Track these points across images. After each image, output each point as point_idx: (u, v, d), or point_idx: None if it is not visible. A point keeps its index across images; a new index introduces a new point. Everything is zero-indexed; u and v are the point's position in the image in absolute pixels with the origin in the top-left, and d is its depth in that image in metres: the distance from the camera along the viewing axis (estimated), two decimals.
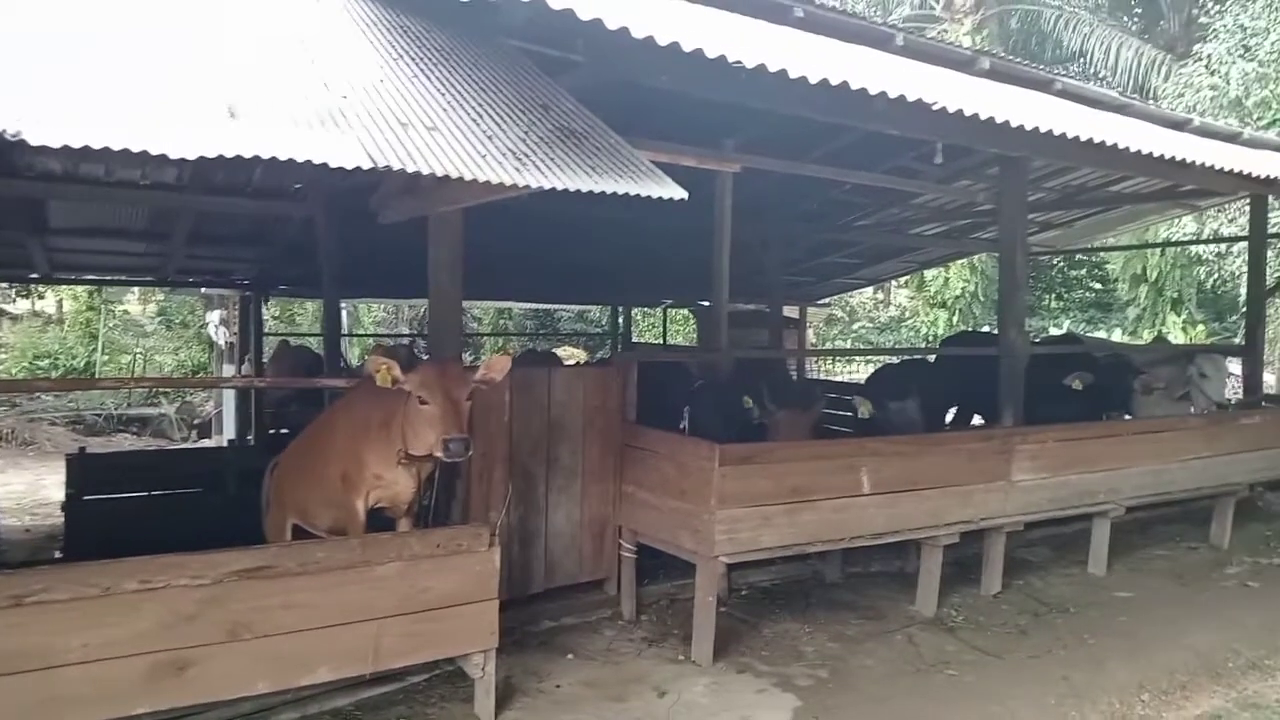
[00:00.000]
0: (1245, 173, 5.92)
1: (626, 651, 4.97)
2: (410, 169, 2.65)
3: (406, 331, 24.93)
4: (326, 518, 4.22)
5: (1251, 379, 8.84)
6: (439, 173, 2.67)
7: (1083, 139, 4.62)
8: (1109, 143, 4.74)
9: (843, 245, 11.23)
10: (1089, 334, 18.76)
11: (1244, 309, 18.35)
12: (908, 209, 9.87)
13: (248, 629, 3.58)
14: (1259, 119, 11.90)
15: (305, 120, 2.79)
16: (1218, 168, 5.69)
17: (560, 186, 2.76)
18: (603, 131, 3.24)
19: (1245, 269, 16.68)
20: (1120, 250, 15.55)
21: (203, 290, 12.38)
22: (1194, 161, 5.45)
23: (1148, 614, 6.05)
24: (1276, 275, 11.93)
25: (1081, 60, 20.69)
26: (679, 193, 2.98)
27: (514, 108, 3.23)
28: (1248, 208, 13.72)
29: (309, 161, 2.57)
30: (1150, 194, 9.39)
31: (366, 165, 2.60)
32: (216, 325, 14.72)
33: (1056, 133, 4.52)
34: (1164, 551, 7.65)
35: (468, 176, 2.69)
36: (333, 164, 2.56)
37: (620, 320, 15.16)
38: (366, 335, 19.76)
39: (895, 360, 9.11)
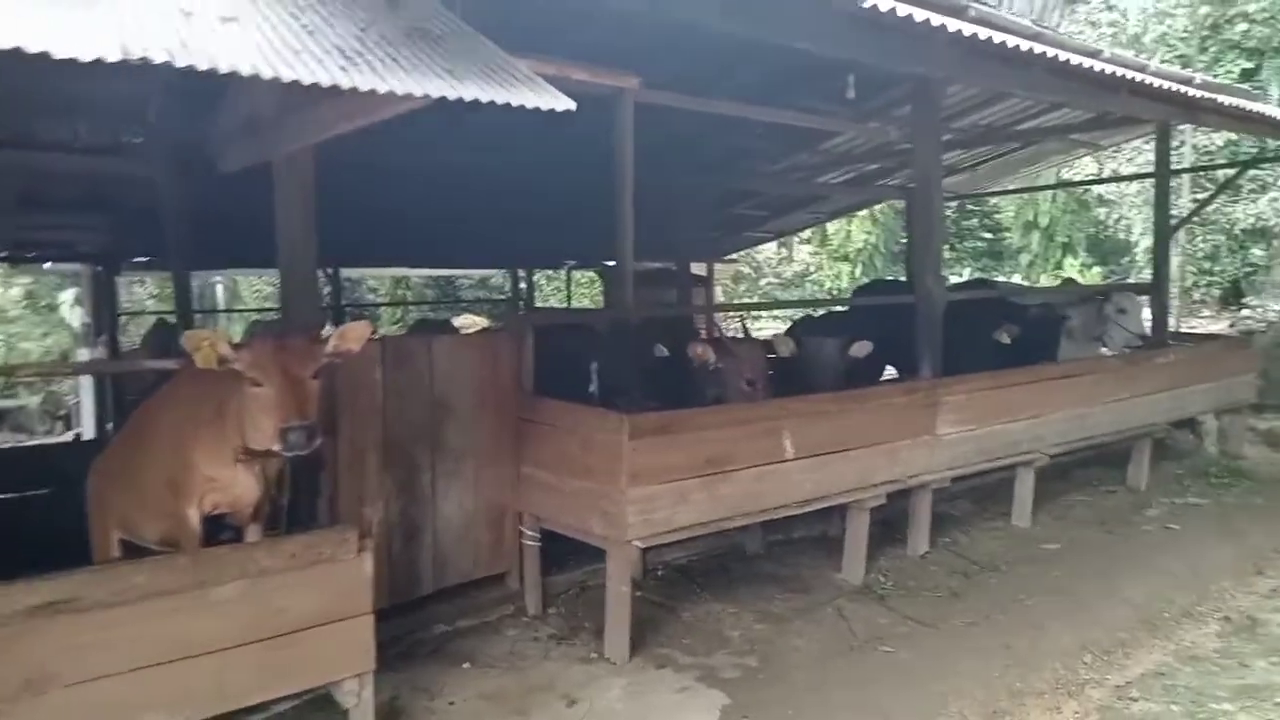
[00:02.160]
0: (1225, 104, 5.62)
1: (532, 654, 4.40)
2: (181, 62, 1.95)
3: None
4: (155, 530, 3.49)
5: (1159, 317, 8.74)
6: (222, 68, 1.99)
7: (1024, 49, 4.17)
8: (1052, 55, 4.30)
9: (750, 196, 10.76)
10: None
11: (1134, 251, 18.86)
12: (815, 154, 9.43)
13: (51, 679, 2.87)
14: (1156, 55, 11.90)
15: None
16: (1198, 97, 5.34)
17: (402, 91, 2.10)
18: (469, 35, 2.57)
19: (1134, 213, 17.08)
20: (1026, 192, 15.53)
21: (46, 266, 11.10)
22: (1152, 84, 5.08)
23: (1078, 567, 5.80)
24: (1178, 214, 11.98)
25: None
26: (565, 103, 2.35)
27: (352, 3, 2.53)
28: (1144, 146, 13.91)
29: (34, 51, 1.83)
30: (1062, 127, 9.15)
31: (114, 56, 1.88)
32: (71, 305, 13.38)
33: (996, 40, 4.05)
34: (1084, 497, 7.49)
35: (266, 74, 2.01)
36: (58, 53, 1.84)
37: (522, 285, 14.43)
38: (248, 311, 18.46)
39: (811, 314, 8.67)
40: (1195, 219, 11.54)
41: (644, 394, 5.04)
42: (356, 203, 8.83)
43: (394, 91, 2.08)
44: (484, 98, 2.20)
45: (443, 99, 2.18)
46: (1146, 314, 8.35)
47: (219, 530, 3.55)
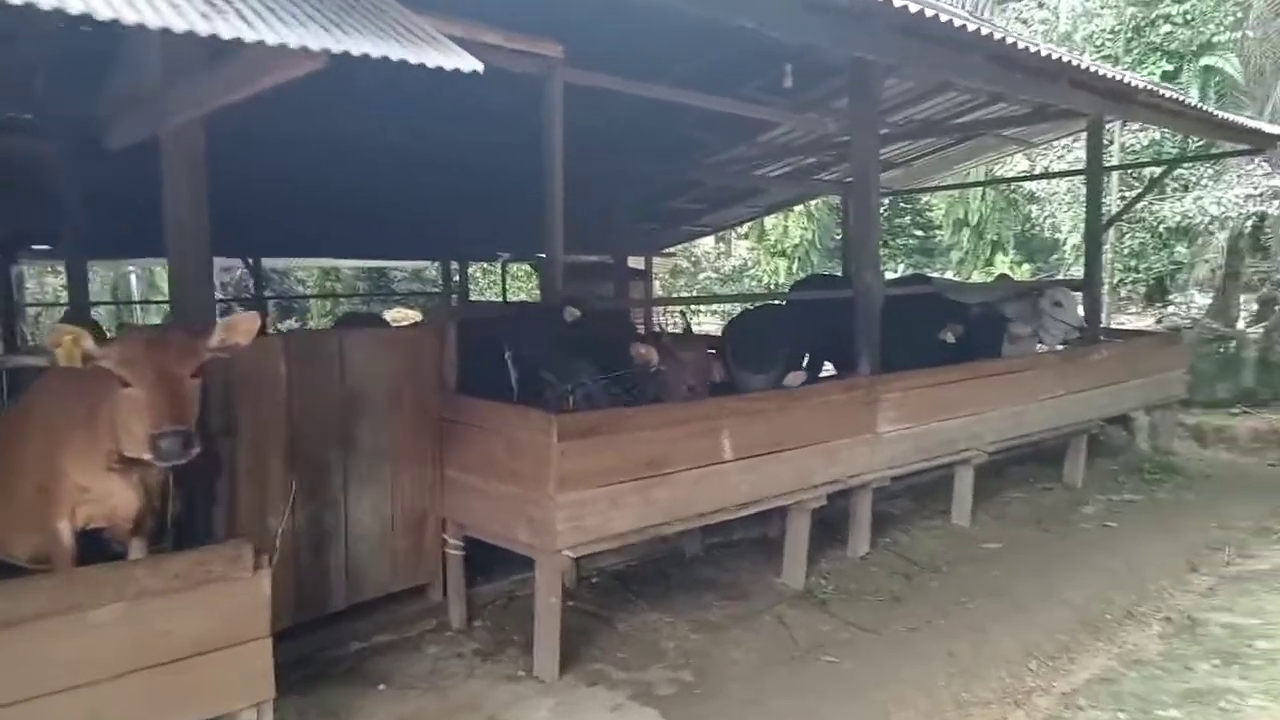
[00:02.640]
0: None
1: (455, 673, 4.10)
2: None
3: (220, 297, 22.68)
4: (25, 545, 3.11)
5: (1091, 313, 8.77)
6: (45, 4, 1.65)
7: (969, 29, 4.01)
8: (999, 38, 4.15)
9: (688, 188, 10.55)
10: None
11: (1062, 249, 19.20)
12: (754, 147, 9.25)
13: None
14: (1085, 53, 12.03)
15: None
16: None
17: (274, 41, 1.80)
18: None
19: (1063, 210, 17.36)
20: (960, 188, 15.65)
21: None
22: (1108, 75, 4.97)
23: (1018, 567, 5.71)
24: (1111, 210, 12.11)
25: None
26: (470, 63, 2.06)
27: None
28: (1074, 145, 14.11)
29: None
30: (998, 122, 9.13)
31: None
32: None
33: (942, 20, 3.88)
34: (1021, 494, 7.45)
35: (103, 14, 1.69)
36: None
37: (457, 278, 14.01)
38: (165, 302, 17.63)
39: (749, 308, 8.48)
40: (1124, 217, 11.69)
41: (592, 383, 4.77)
42: (278, 189, 8.40)
43: (264, 41, 1.78)
44: (376, 53, 1.90)
45: (334, 57, 1.88)
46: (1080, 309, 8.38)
47: (99, 547, 3.18)
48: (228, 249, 12.03)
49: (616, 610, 4.85)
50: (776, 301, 7.74)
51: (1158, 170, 11.52)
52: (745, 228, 23.87)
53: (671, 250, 14.59)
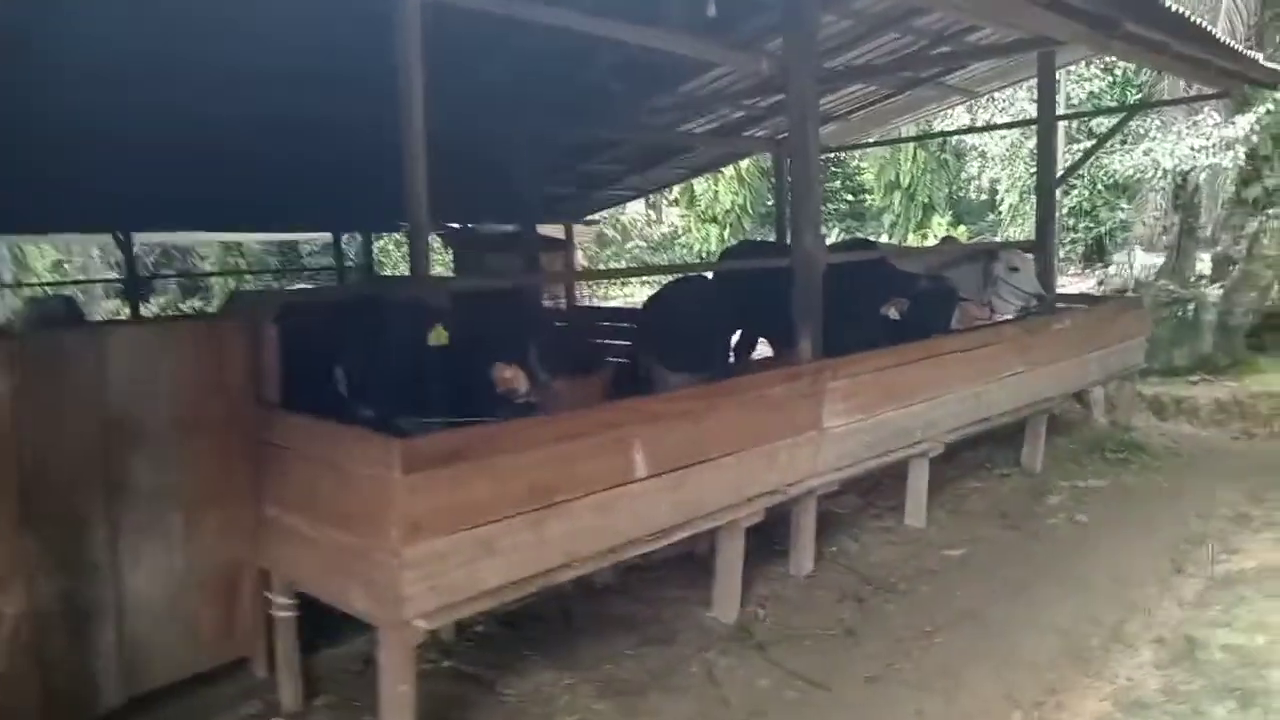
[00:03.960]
0: None
1: None
2: None
3: (110, 277, 20.73)
4: None
5: (1046, 278, 7.99)
6: None
7: None
8: None
9: (605, 148, 9.46)
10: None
11: (998, 209, 18.63)
12: (675, 97, 8.20)
13: None
14: None
15: None
16: None
17: None
18: None
19: (1001, 169, 16.75)
20: (900, 143, 14.84)
21: None
22: None
23: (987, 580, 4.89)
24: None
25: None
26: None
27: None
28: (1016, 96, 13.39)
29: None
30: (946, 58, 8.25)
31: None
32: None
33: None
34: (978, 483, 6.66)
35: None
36: None
37: (351, 252, 12.76)
38: (35, 286, 15.81)
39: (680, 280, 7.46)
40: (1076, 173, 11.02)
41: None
42: (148, 149, 7.05)
43: None
44: None
45: None
46: None
47: None
48: (87, 221, 10.61)
49: (505, 670, 3.85)
50: (703, 274, 6.72)
51: (1110, 121, 10.81)
52: (674, 193, 22.91)
53: (595, 218, 13.49)
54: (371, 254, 14.62)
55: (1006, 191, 15.67)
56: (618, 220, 20.63)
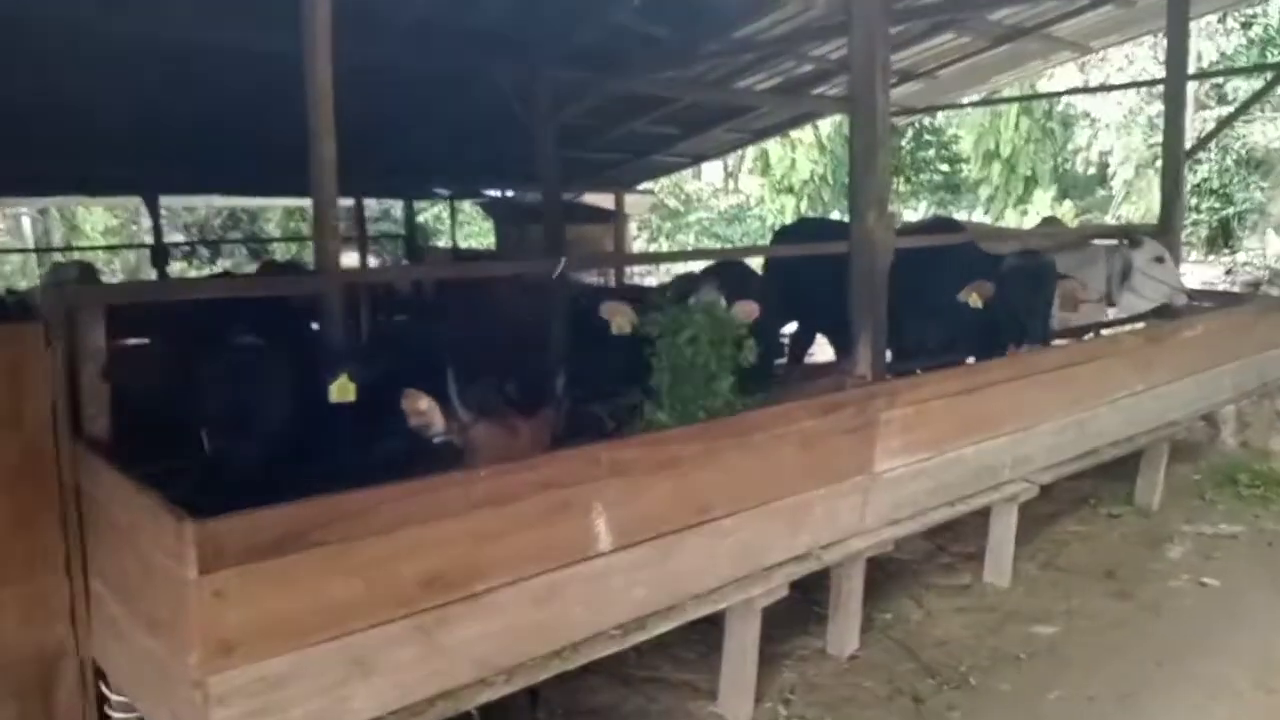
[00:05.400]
0: None
1: None
2: None
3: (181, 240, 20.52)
4: None
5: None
6: None
7: None
8: None
9: (648, 105, 8.33)
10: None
11: (1109, 184, 16.75)
12: (728, 44, 7.01)
13: None
14: None
15: None
16: None
17: None
18: None
19: (1116, 138, 14.92)
20: (997, 104, 13.26)
21: None
22: None
23: (1088, 675, 3.71)
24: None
25: None
26: None
27: None
28: (1136, 53, 11.69)
29: None
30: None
31: None
32: None
33: None
34: (1079, 526, 5.41)
35: None
36: None
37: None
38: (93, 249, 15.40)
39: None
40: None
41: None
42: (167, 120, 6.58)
43: None
44: None
45: None
46: None
47: None
48: (113, 184, 10.04)
49: None
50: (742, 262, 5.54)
51: (1250, 84, 9.16)
52: (750, 159, 21.52)
53: (649, 186, 12.36)
54: (413, 221, 13.77)
55: (1120, 164, 13.90)
56: (681, 189, 19.34)
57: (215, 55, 5.65)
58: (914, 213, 19.13)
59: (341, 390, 2.91)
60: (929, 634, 4.06)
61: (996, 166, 21.44)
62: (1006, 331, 4.83)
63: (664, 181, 17.90)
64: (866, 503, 3.59)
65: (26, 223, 15.04)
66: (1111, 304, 5.59)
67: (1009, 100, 12.91)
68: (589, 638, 2.68)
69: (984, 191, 21.51)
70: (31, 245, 15.00)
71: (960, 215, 17.88)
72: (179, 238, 20.72)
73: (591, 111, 7.89)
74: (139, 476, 2.29)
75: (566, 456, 2.58)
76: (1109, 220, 13.31)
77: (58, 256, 13.27)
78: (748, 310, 3.66)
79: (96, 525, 2.47)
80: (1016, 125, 20.81)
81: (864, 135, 4.29)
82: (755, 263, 6.15)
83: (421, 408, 2.87)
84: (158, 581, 2.07)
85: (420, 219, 20.17)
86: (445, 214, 19.83)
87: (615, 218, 11.81)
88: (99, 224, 17.00)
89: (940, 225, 7.05)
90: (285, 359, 2.83)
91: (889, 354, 5.69)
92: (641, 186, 12.07)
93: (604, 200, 12.26)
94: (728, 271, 4.79)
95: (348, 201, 17.31)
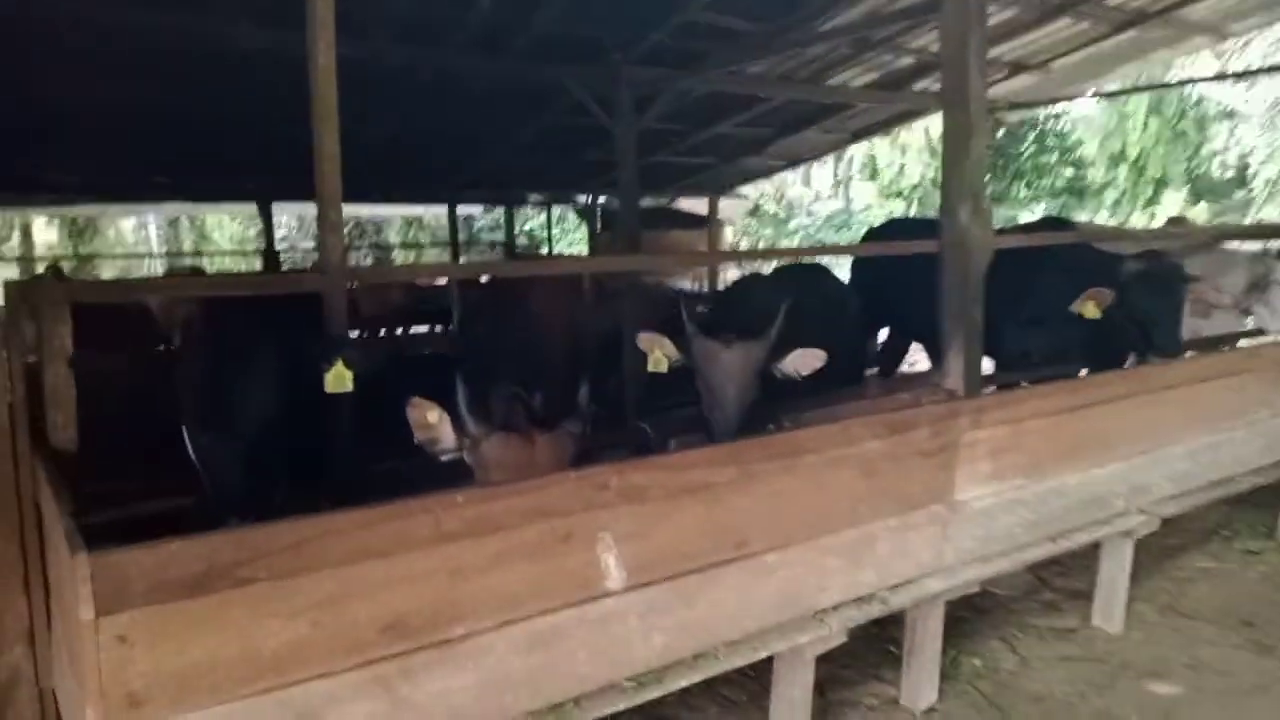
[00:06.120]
0: None
1: None
2: None
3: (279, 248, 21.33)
4: None
5: None
6: None
7: None
8: None
9: (734, 105, 7.93)
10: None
11: (1249, 185, 15.34)
12: (812, 36, 6.56)
13: None
14: None
15: None
16: None
17: None
18: None
19: (1260, 135, 13.58)
20: (1128, 94, 12.24)
21: None
22: None
23: None
24: None
25: None
26: None
27: None
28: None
29: None
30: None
31: None
32: None
33: None
34: (1207, 562, 4.71)
35: None
36: None
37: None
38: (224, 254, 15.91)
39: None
40: None
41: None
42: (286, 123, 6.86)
43: None
44: None
45: None
46: None
47: None
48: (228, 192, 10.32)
49: None
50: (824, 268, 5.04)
51: None
52: (859, 162, 20.75)
53: (743, 191, 11.92)
54: (513, 229, 13.72)
55: (1263, 163, 12.61)
56: (781, 194, 18.76)
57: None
58: (1032, 217, 18.04)
59: (338, 379, 2.63)
60: (1023, 687, 3.51)
61: (1123, 169, 20.10)
62: (1128, 341, 4.23)
63: (765, 188, 17.41)
64: (946, 537, 3.09)
65: (153, 231, 15.73)
66: (1247, 313, 4.87)
67: (1132, 91, 11.88)
68: (596, 691, 2.30)
69: (1109, 196, 20.19)
70: (156, 252, 15.69)
71: (1083, 219, 16.72)
72: (310, 245, 21.56)
73: (675, 114, 7.56)
74: (95, 493, 2.04)
75: (566, 480, 2.22)
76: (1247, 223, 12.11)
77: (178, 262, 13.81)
78: (804, 364, 3.25)
79: (52, 547, 2.24)
80: (1145, 126, 19.45)
81: (955, 118, 3.83)
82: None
83: (430, 419, 2.56)
84: (69, 620, 1.81)
85: (529, 226, 20.31)
86: (556, 220, 19.92)
87: (710, 222, 11.47)
88: (228, 233, 17.70)
89: (1049, 225, 6.39)
90: (273, 350, 2.56)
91: (990, 364, 5.15)
92: (737, 191, 11.67)
93: (699, 206, 11.92)
94: (792, 278, 4.35)
95: (415, 208, 17.57)
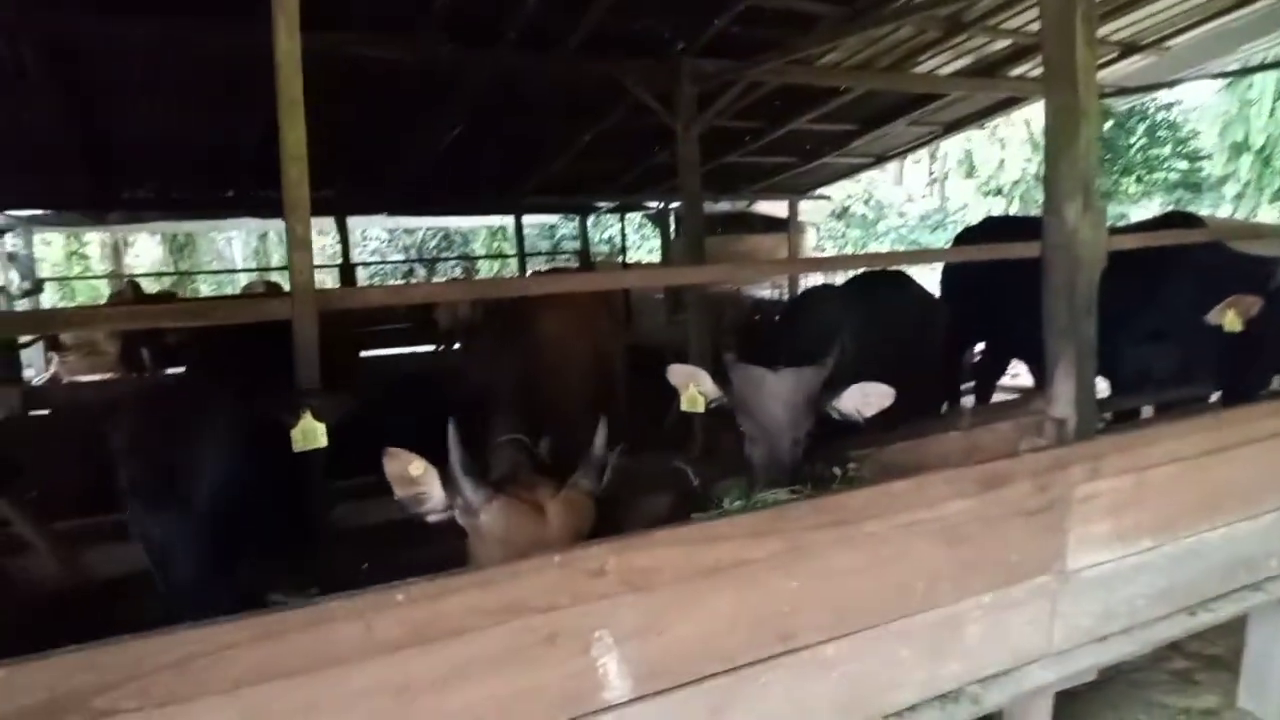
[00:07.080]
0: None
1: None
2: None
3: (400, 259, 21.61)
4: None
5: None
6: None
7: None
8: None
9: (811, 98, 7.33)
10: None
11: None
12: (894, 17, 5.91)
13: None
14: None
15: None
16: None
17: None
18: None
19: None
20: (1252, 73, 11.12)
21: None
22: None
23: None
24: None
25: None
26: None
27: None
28: None
29: None
30: None
31: None
32: None
33: None
34: None
35: None
36: None
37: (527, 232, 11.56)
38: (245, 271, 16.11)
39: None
40: None
41: None
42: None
43: None
44: None
45: None
46: None
47: None
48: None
49: None
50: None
51: None
52: (955, 158, 19.77)
53: (824, 192, 11.24)
54: (587, 237, 13.38)
55: None
56: (870, 194, 17.91)
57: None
58: (1146, 214, 16.81)
59: (307, 435, 2.21)
60: None
61: (1246, 159, 18.60)
62: (1277, 361, 3.54)
63: (852, 188, 16.64)
64: (1054, 614, 2.49)
65: (237, 245, 16.00)
66: None
67: (1258, 70, 10.76)
68: None
69: (1230, 189, 18.68)
70: (238, 267, 15.93)
71: (1204, 213, 15.41)
72: (398, 258, 21.87)
73: (745, 110, 7.02)
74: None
75: (548, 565, 1.72)
76: None
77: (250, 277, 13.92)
78: (865, 403, 2.70)
79: None
80: (1272, 112, 17.94)
81: (1061, 98, 3.19)
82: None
83: (413, 473, 2.11)
84: None
85: (609, 234, 20.04)
86: (630, 228, 19.58)
87: (792, 225, 10.87)
88: (318, 245, 17.98)
89: (1175, 222, 5.61)
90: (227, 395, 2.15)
91: (1106, 386, 4.47)
92: (819, 193, 11.02)
93: (779, 209, 11.34)
94: (867, 289, 3.77)
95: (487, 219, 17.39)
